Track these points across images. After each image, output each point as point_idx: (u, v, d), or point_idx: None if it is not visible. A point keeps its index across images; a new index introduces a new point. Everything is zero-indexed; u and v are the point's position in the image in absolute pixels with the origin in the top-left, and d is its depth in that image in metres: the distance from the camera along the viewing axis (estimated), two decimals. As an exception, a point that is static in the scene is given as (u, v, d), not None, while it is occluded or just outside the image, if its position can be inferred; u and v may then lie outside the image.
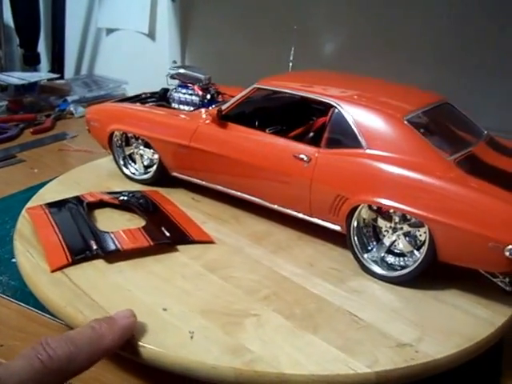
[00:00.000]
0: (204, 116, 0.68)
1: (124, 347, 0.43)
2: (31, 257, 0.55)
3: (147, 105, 0.80)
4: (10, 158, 0.98)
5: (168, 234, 0.59)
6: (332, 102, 0.58)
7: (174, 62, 1.25)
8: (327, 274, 0.56)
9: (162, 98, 0.83)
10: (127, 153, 0.78)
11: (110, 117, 0.76)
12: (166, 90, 0.83)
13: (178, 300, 0.50)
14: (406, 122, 0.55)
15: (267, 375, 0.41)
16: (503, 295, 0.53)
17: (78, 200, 0.65)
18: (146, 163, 0.77)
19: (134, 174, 0.77)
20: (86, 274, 0.52)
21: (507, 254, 0.47)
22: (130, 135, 0.77)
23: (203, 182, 0.70)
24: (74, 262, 0.53)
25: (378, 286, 0.55)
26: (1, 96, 1.26)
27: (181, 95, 0.79)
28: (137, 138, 0.76)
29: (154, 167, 0.74)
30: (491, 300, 0.52)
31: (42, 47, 1.55)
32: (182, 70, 0.81)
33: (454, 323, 0.49)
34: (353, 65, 0.93)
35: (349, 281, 0.55)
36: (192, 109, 0.75)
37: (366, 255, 0.57)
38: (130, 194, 0.69)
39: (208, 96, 0.78)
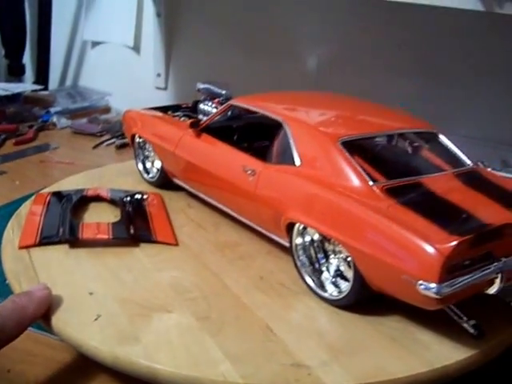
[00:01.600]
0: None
1: (43, 320, 0.48)
2: (11, 233, 0.62)
3: (175, 113, 0.86)
4: (-10, 169, 0.96)
5: (133, 231, 0.63)
6: (279, 119, 0.60)
7: (159, 75, 1.30)
8: (272, 288, 0.55)
9: (192, 109, 0.89)
10: (146, 154, 0.84)
11: (132, 121, 0.84)
12: (196, 102, 0.89)
13: (108, 288, 0.53)
14: (338, 144, 0.53)
15: (139, 366, 0.43)
16: (465, 338, 0.48)
17: (79, 192, 0.72)
18: (158, 167, 0.81)
19: (147, 175, 0.83)
20: (46, 255, 0.58)
21: (419, 288, 0.43)
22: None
23: (191, 190, 0.74)
24: (40, 244, 0.59)
25: (319, 307, 0.53)
26: (-17, 107, 1.25)
27: (205, 108, 0.84)
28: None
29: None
30: (448, 340, 0.48)
31: (27, 58, 1.59)
32: (206, 85, 0.86)
33: (381, 356, 0.46)
34: (342, 80, 0.95)
35: (290, 298, 0.54)
36: None
37: (308, 275, 0.55)
38: (129, 193, 0.74)
39: None
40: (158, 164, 0.81)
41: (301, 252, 0.55)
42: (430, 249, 0.42)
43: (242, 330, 0.48)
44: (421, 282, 0.42)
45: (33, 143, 1.16)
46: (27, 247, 0.59)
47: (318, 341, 0.47)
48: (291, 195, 0.54)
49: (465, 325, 0.48)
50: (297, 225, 0.54)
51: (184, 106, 0.91)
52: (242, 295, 0.54)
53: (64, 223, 0.63)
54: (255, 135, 0.71)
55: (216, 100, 0.83)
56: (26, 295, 0.46)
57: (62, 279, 0.54)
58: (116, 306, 0.50)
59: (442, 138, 0.61)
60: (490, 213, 0.49)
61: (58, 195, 0.72)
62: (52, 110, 1.32)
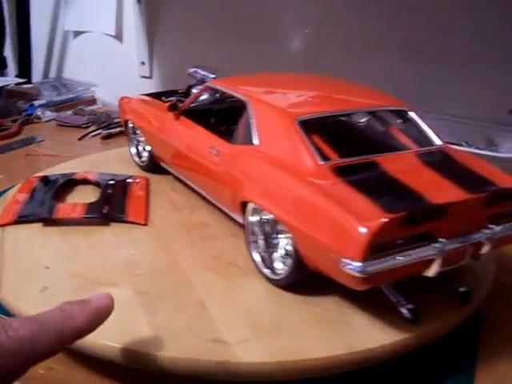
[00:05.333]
0: None
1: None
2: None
3: (169, 99, 0.88)
4: (-25, 165, 0.93)
5: (105, 211, 0.66)
6: (243, 99, 0.60)
7: (143, 63, 1.30)
8: (222, 267, 0.56)
9: (185, 94, 0.91)
10: (139, 139, 0.86)
11: (125, 107, 0.87)
12: (190, 87, 0.91)
13: (65, 263, 0.56)
14: (296, 123, 0.53)
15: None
16: (400, 322, 0.47)
17: (67, 176, 0.77)
18: (148, 151, 0.84)
19: (138, 159, 0.86)
20: (18, 232, 0.62)
21: (343, 267, 0.42)
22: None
23: (175, 173, 0.76)
24: (16, 222, 0.64)
25: (263, 287, 0.53)
26: (-32, 102, 1.23)
27: (195, 92, 0.86)
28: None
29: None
30: (382, 324, 0.47)
31: (8, 51, 1.55)
32: (194, 69, 0.88)
33: (306, 336, 0.46)
34: (330, 60, 0.93)
35: (236, 278, 0.55)
36: None
37: (257, 252, 0.55)
38: (116, 176, 0.77)
39: None
40: (148, 148, 0.84)
41: (256, 229, 0.56)
42: (355, 226, 0.41)
43: (175, 305, 0.49)
44: (344, 259, 0.41)
45: (17, 137, 1.15)
46: (3, 225, 0.63)
47: (247, 318, 0.48)
48: (247, 174, 0.55)
49: (401, 308, 0.47)
50: (250, 204, 0.55)
51: (180, 90, 0.94)
52: (190, 273, 0.55)
53: (44, 204, 0.67)
54: (228, 117, 0.72)
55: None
56: (80, 304, 0.39)
57: (23, 253, 0.58)
58: (65, 279, 0.53)
59: (413, 116, 0.59)
60: (439, 192, 0.47)
61: (46, 180, 0.76)
62: (36, 103, 1.31)
